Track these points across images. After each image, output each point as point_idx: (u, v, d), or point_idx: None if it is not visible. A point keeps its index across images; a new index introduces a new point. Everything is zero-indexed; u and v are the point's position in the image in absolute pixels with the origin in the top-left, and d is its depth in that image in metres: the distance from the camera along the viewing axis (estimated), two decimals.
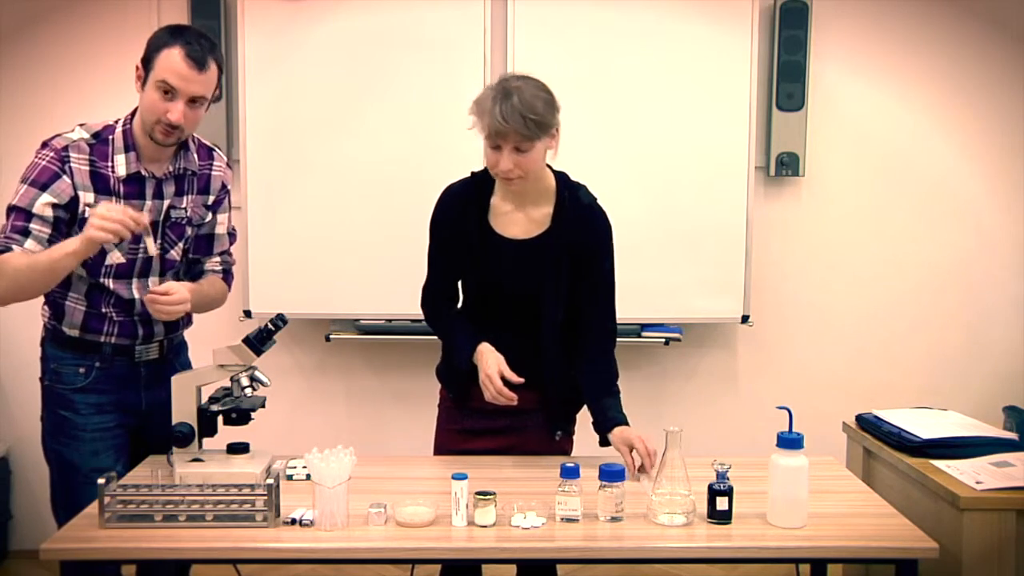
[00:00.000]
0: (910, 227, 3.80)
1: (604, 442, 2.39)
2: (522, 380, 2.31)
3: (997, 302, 3.82)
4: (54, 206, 2.29)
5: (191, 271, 2.56)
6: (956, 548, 2.17)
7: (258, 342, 2.33)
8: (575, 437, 2.59)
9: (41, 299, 2.42)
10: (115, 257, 2.36)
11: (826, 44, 3.68)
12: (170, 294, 2.32)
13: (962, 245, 3.80)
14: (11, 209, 2.31)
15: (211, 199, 2.54)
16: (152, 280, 2.43)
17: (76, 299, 2.39)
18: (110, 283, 2.38)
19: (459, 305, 2.55)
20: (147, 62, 2.31)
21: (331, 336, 3.66)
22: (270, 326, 2.34)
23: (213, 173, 2.54)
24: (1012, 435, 2.58)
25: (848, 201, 3.78)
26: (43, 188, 2.29)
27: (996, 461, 2.35)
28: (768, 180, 3.73)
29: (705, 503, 2.05)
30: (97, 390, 2.41)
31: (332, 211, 3.58)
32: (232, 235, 2.65)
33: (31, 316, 3.74)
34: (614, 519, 2.05)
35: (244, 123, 3.54)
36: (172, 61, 2.27)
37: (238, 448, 2.32)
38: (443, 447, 2.55)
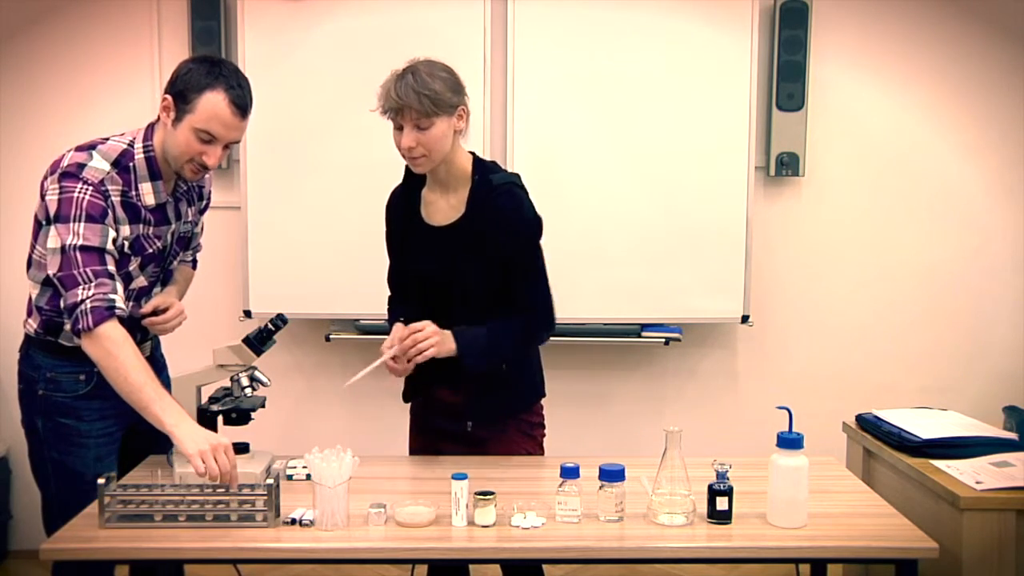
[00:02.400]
0: (910, 227, 3.80)
1: None
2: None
3: (997, 302, 3.82)
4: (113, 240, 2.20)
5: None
6: (956, 548, 2.17)
7: (258, 342, 2.33)
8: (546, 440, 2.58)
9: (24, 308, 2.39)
10: (139, 282, 2.37)
11: (826, 44, 3.68)
12: (168, 311, 2.36)
13: (962, 245, 3.80)
14: (79, 255, 2.14)
15: (203, 205, 2.57)
16: (156, 289, 2.45)
17: None
18: (128, 305, 2.29)
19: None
20: (182, 98, 2.21)
21: (331, 336, 3.66)
22: (270, 326, 2.35)
23: (204, 178, 2.54)
24: (1012, 435, 2.58)
25: (848, 201, 3.78)
26: (102, 220, 2.17)
27: (996, 461, 2.36)
28: (768, 180, 3.73)
29: (705, 503, 2.04)
30: (100, 396, 2.36)
31: (332, 211, 3.58)
32: (201, 230, 2.66)
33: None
34: (614, 519, 2.05)
35: None
36: (218, 109, 2.19)
37: (238, 448, 2.32)
38: (414, 450, 2.59)
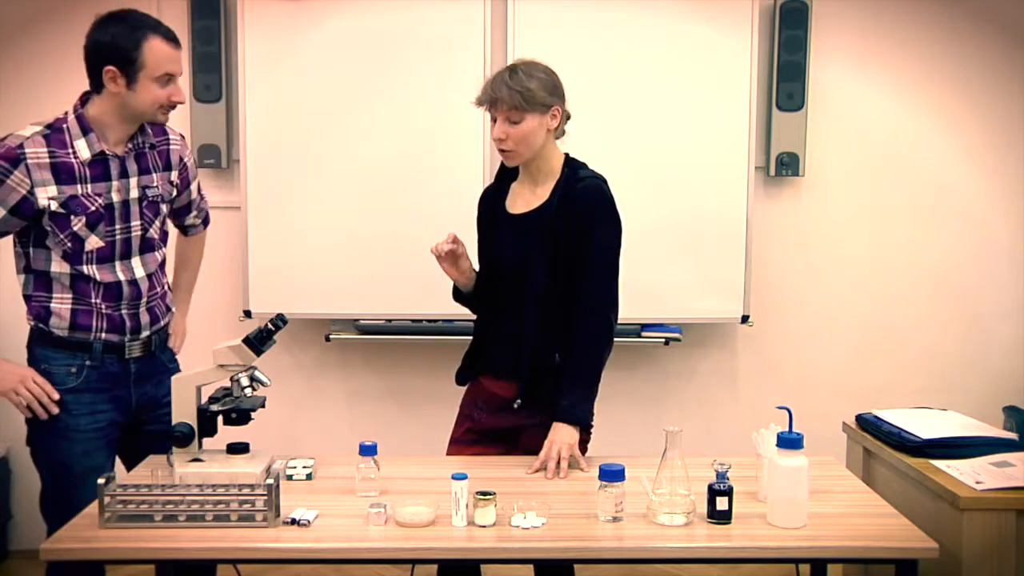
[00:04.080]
0: (910, 227, 3.80)
1: None
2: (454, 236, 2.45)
3: (997, 302, 3.82)
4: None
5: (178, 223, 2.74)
6: (956, 548, 2.17)
7: (258, 342, 2.33)
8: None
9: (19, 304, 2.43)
10: (94, 242, 2.37)
11: (826, 44, 3.68)
12: (176, 336, 2.65)
13: (962, 245, 3.80)
14: None
15: (174, 175, 2.56)
16: (135, 260, 2.45)
17: (61, 299, 2.39)
18: (94, 271, 2.38)
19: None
20: (125, 61, 2.31)
21: (331, 336, 3.66)
22: (270, 326, 2.34)
23: (171, 148, 2.55)
24: (1012, 435, 2.58)
25: (848, 201, 3.78)
26: None
27: (996, 461, 2.35)
28: (768, 180, 3.73)
29: (705, 503, 2.05)
30: (90, 389, 2.41)
31: (332, 211, 3.58)
32: (199, 187, 2.74)
33: None
34: (614, 519, 2.05)
35: (244, 123, 3.54)
36: (163, 51, 2.32)
37: (238, 448, 2.32)
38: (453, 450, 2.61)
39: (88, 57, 2.37)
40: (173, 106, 2.40)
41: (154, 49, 2.31)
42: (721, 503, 2.03)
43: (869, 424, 2.72)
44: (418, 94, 3.53)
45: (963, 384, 3.78)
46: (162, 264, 2.55)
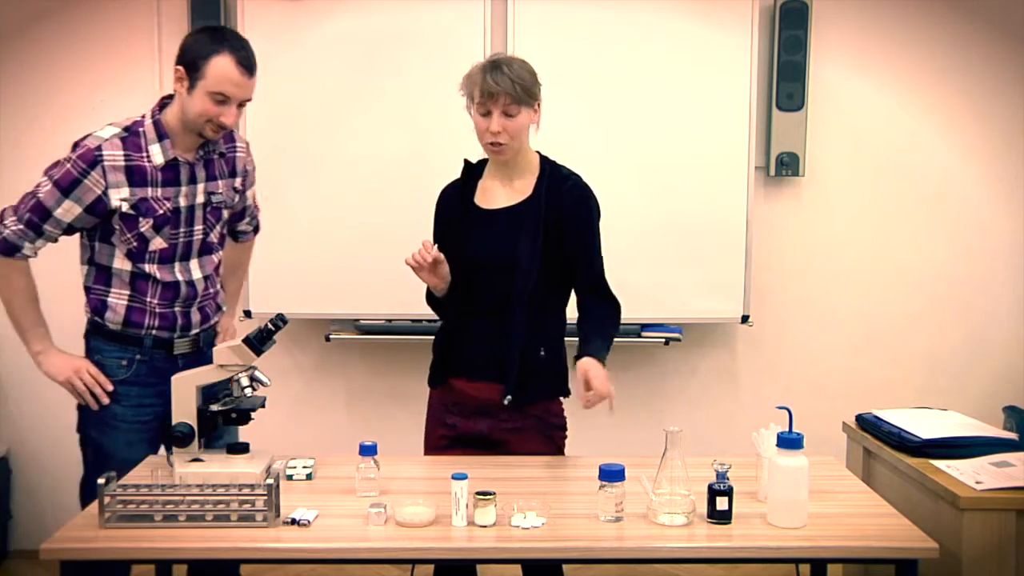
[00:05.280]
0: (910, 227, 3.79)
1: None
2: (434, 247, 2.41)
3: (997, 302, 3.81)
4: (74, 213, 2.40)
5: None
6: (956, 548, 2.17)
7: (258, 342, 2.33)
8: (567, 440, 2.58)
9: (82, 295, 2.54)
10: (158, 244, 2.47)
11: (826, 44, 3.68)
12: (226, 335, 2.71)
13: (962, 245, 3.80)
14: (33, 201, 2.40)
15: (238, 181, 2.66)
16: (194, 262, 2.54)
17: (118, 294, 2.49)
18: (155, 270, 2.47)
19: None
20: (192, 67, 2.37)
21: (331, 336, 3.66)
22: (270, 326, 2.34)
23: (238, 155, 2.65)
24: (1012, 435, 2.58)
25: (848, 201, 3.78)
26: (65, 193, 2.38)
27: (996, 461, 2.35)
28: (768, 180, 3.73)
29: (705, 503, 2.04)
30: (139, 383, 2.50)
31: (332, 211, 3.58)
32: (255, 199, 2.85)
33: None
34: (614, 519, 2.05)
35: (244, 123, 3.53)
36: (226, 70, 2.36)
37: (238, 448, 2.33)
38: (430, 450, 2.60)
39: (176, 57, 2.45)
40: (223, 127, 2.43)
41: (220, 66, 2.36)
42: (721, 503, 2.03)
43: (869, 424, 2.72)
44: (418, 94, 3.53)
45: (963, 384, 3.78)
46: (217, 266, 2.65)
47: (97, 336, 2.52)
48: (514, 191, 2.49)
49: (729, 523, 2.03)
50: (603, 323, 2.47)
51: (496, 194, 2.51)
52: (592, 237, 2.50)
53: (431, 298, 2.57)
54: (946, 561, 2.09)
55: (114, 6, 3.69)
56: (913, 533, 2.00)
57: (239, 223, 2.81)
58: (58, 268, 2.65)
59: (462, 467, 2.20)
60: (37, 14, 3.67)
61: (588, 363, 2.34)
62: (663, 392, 3.83)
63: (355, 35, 3.53)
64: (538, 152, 2.53)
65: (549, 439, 2.51)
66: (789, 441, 2.03)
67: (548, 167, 2.50)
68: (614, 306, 2.51)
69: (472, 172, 2.56)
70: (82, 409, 2.52)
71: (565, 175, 2.51)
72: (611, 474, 2.05)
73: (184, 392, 2.30)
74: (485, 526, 2.00)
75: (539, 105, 2.45)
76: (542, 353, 2.45)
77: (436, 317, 2.60)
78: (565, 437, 2.56)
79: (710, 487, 2.04)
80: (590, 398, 2.31)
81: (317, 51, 3.53)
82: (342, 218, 3.57)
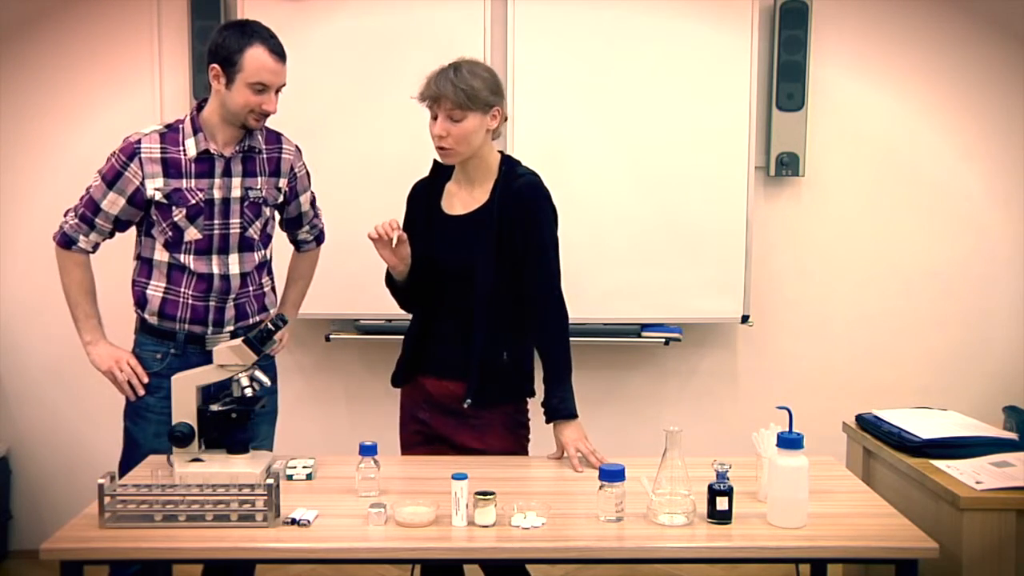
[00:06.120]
0: (910, 227, 3.79)
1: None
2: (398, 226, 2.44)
3: (997, 302, 3.81)
4: (119, 205, 2.54)
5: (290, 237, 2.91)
6: (956, 548, 2.17)
7: (258, 342, 2.33)
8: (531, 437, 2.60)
9: (128, 291, 2.64)
10: (192, 234, 2.54)
11: (826, 44, 3.68)
12: (277, 341, 2.68)
13: (962, 245, 3.80)
14: (86, 197, 2.56)
15: (282, 181, 2.72)
16: (232, 256, 2.60)
17: (155, 286, 2.57)
18: (190, 260, 2.54)
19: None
20: (228, 63, 2.48)
21: (331, 336, 3.66)
22: (270, 326, 2.35)
23: (283, 156, 2.72)
24: (1012, 435, 2.58)
25: (848, 201, 3.78)
26: (110, 186, 2.53)
27: (996, 461, 2.35)
28: (768, 180, 3.73)
29: (705, 503, 2.05)
30: (171, 376, 2.46)
31: (332, 211, 3.56)
32: (314, 204, 2.91)
33: (33, 315, 3.75)
34: (614, 519, 2.05)
35: None
36: (262, 60, 2.49)
37: (238, 448, 2.32)
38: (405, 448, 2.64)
39: (206, 57, 2.54)
40: (265, 114, 2.55)
41: (256, 57, 2.48)
42: (721, 503, 2.03)
43: (869, 424, 2.72)
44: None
45: (963, 384, 3.78)
46: (261, 265, 2.70)
47: (141, 330, 2.64)
48: (472, 198, 2.50)
49: (729, 523, 2.03)
50: (558, 356, 2.46)
51: (459, 200, 2.53)
52: (541, 235, 2.46)
53: (389, 280, 2.58)
54: (946, 561, 2.09)
55: (114, 6, 3.68)
56: (913, 533, 2.01)
57: (298, 231, 2.88)
58: (123, 268, 2.71)
59: (462, 467, 2.20)
60: (37, 14, 3.67)
61: (567, 436, 2.42)
62: (663, 392, 3.83)
63: (355, 36, 3.53)
64: (501, 153, 2.53)
65: (515, 438, 2.54)
66: (789, 441, 2.03)
67: (505, 169, 2.49)
68: (563, 318, 2.48)
69: (441, 172, 2.57)
70: (126, 399, 2.62)
71: (519, 174, 2.49)
72: (611, 474, 2.05)
73: (184, 392, 2.29)
74: (485, 526, 2.00)
75: (498, 111, 2.43)
76: (505, 357, 2.47)
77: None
78: (528, 437, 2.58)
79: (710, 487, 2.04)
80: (579, 461, 2.39)
81: (317, 52, 3.53)
82: (342, 218, 3.56)
